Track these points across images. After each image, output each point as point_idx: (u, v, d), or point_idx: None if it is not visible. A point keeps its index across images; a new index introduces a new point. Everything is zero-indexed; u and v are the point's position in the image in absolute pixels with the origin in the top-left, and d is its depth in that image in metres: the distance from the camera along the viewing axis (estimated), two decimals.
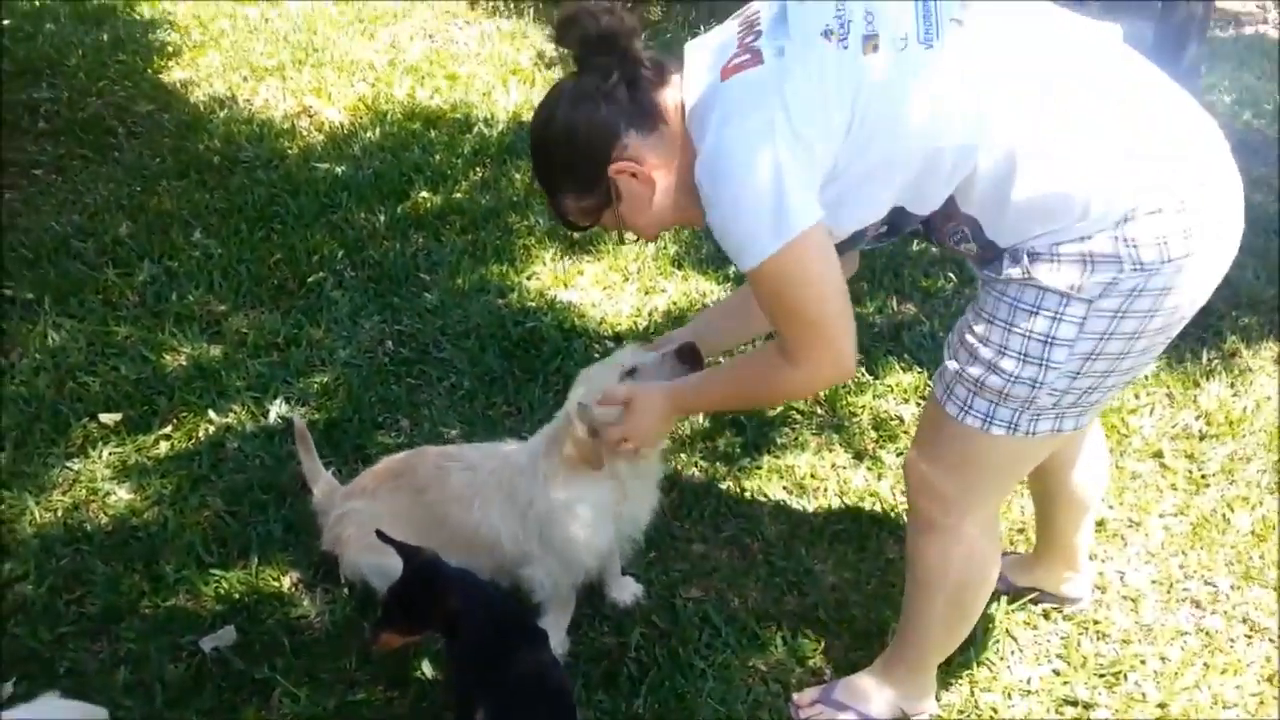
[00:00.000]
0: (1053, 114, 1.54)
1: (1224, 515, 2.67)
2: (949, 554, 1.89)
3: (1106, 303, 1.58)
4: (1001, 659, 2.28)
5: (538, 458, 2.14)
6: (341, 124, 4.58)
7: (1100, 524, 2.65)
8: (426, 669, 2.20)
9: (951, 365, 1.75)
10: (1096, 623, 2.39)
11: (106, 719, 1.98)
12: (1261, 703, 2.20)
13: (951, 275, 3.55)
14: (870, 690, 2.13)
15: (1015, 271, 1.61)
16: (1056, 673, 2.27)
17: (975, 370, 1.69)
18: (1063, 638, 2.35)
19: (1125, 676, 2.25)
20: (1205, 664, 2.28)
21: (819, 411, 2.98)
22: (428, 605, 1.85)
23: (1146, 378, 3.11)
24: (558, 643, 2.18)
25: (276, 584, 2.41)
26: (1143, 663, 2.29)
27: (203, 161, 4.22)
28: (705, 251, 3.70)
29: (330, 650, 2.26)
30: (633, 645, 2.27)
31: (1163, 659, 2.30)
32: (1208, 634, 2.36)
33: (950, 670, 2.23)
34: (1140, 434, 2.92)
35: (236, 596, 2.37)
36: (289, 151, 4.31)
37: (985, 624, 2.34)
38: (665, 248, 3.73)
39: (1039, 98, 1.54)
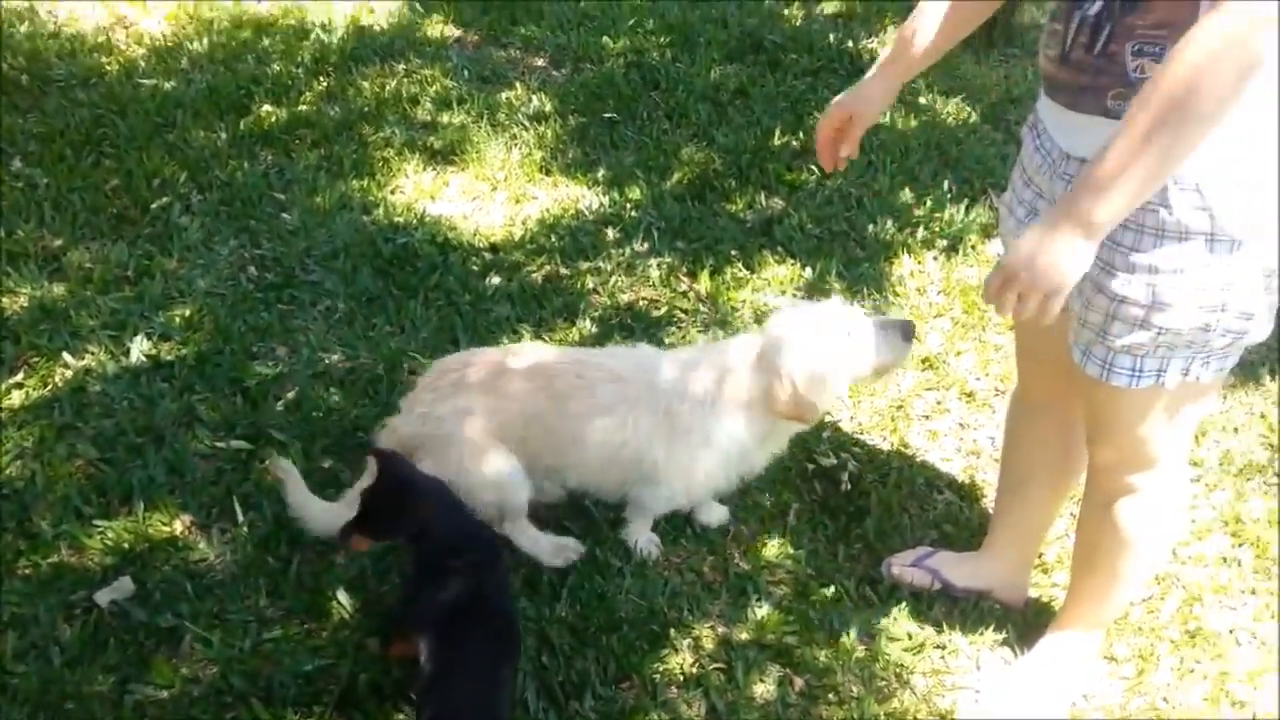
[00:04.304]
0: None
1: None
2: (1163, 508, 1.88)
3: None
4: (895, 529, 2.43)
5: (706, 385, 2.12)
6: (163, 35, 4.22)
7: (969, 394, 2.83)
8: (343, 598, 2.17)
9: (1118, 339, 1.59)
10: (975, 486, 2.57)
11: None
12: None
13: (814, 168, 3.62)
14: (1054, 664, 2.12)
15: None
16: (945, 537, 2.43)
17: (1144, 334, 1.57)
18: (946, 504, 2.52)
19: None
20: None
21: (702, 309, 3.03)
22: (401, 513, 1.82)
23: (999, 256, 3.28)
24: (646, 541, 2.31)
25: (167, 529, 2.30)
26: None
27: (8, 82, 3.82)
28: (573, 156, 3.65)
29: (237, 591, 2.19)
30: None
31: None
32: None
33: (850, 540, 2.36)
34: None
35: (126, 546, 2.25)
36: (108, 68, 3.96)
37: (883, 503, 2.49)
38: (531, 154, 3.66)
39: None
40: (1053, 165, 1.64)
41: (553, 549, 2.27)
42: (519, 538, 2.26)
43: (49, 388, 2.63)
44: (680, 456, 2.15)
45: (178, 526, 2.31)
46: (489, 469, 2.14)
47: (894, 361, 2.13)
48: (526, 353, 2.27)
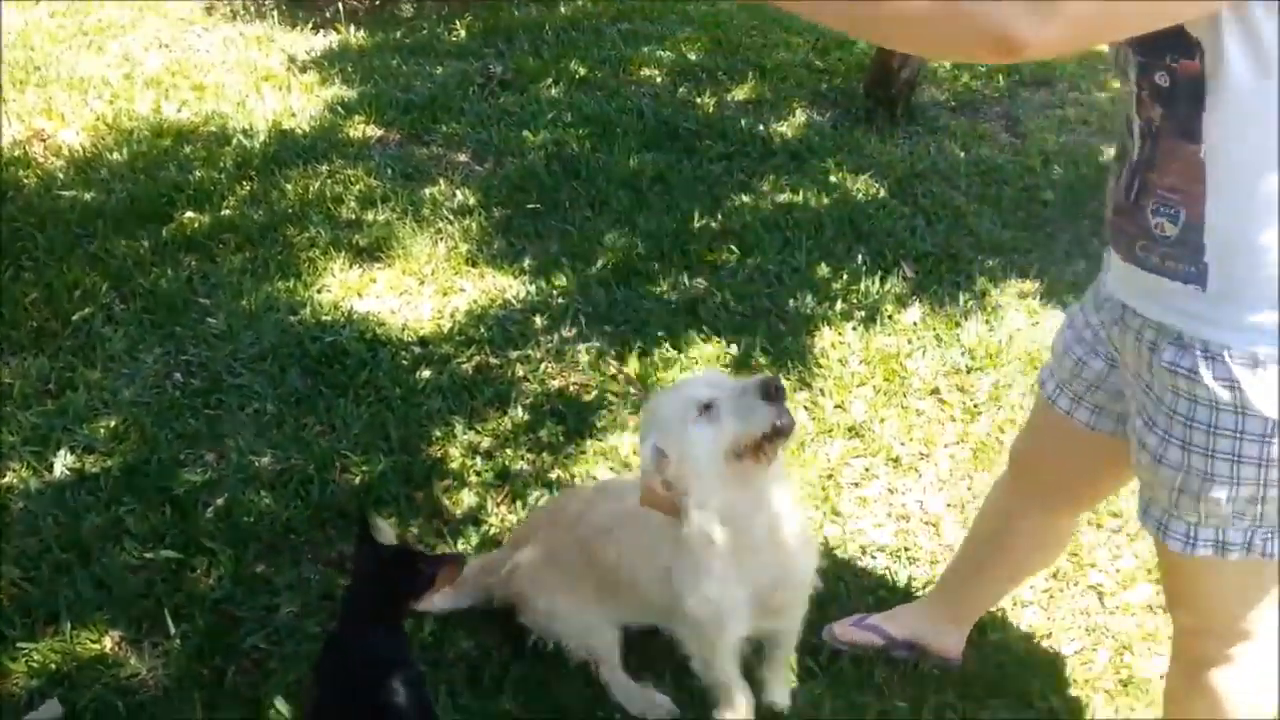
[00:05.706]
0: None
1: (997, 438, 2.98)
2: (1256, 679, 1.76)
3: None
4: (833, 597, 2.47)
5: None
6: (82, 146, 4.23)
7: (895, 460, 2.91)
8: (281, 706, 2.13)
9: (1172, 504, 1.55)
10: (907, 549, 2.63)
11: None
12: (1050, 596, 2.50)
13: (734, 248, 3.74)
14: None
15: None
16: (881, 602, 2.48)
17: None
18: (882, 570, 2.57)
19: None
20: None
21: (632, 391, 3.09)
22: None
23: (914, 324, 3.41)
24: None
25: (97, 646, 2.25)
26: None
27: None
28: (498, 247, 3.71)
29: (170, 706, 2.14)
30: (493, 645, 2.29)
31: None
32: None
33: None
34: (918, 375, 3.20)
35: (53, 667, 2.19)
36: (25, 181, 3.95)
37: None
38: (457, 246, 3.72)
39: None
40: (1111, 304, 1.64)
41: (645, 704, 2.21)
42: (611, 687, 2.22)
43: None
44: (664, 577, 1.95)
45: (107, 643, 2.26)
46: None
47: (757, 428, 1.76)
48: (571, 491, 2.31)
